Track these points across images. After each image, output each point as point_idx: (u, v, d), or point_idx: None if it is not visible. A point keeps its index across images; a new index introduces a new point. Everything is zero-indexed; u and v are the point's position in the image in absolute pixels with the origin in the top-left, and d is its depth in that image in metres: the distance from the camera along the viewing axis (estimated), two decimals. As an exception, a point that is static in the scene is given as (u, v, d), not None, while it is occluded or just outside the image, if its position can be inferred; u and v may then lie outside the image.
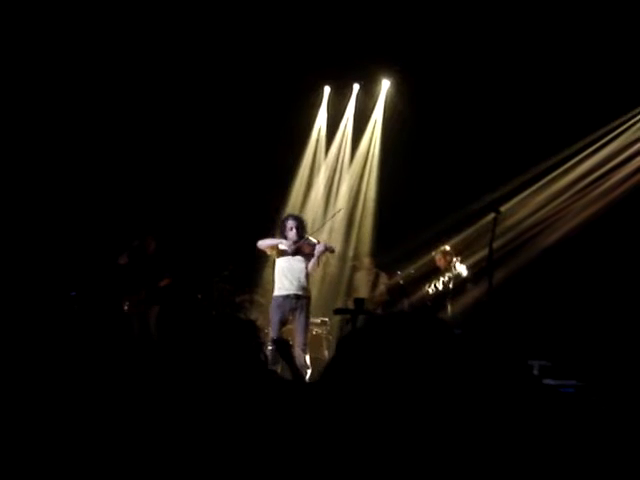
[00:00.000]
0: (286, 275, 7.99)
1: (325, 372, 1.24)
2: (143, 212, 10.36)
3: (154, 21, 9.98)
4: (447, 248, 9.02)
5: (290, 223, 8.07)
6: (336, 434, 1.15)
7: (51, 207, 10.22)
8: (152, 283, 9.13)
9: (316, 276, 10.95)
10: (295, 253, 8.01)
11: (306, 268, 8.00)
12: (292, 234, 8.02)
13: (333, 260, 11.19)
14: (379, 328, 1.26)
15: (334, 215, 10.05)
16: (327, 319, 9.84)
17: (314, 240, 8.17)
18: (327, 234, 11.17)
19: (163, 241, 9.47)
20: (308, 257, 8.02)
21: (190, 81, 10.54)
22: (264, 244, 8.17)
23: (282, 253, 8.05)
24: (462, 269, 8.77)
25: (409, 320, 1.29)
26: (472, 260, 9.13)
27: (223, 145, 10.70)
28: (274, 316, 7.94)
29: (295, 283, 7.96)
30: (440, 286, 8.93)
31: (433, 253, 9.12)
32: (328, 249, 8.19)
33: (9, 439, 2.98)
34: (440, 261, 9.00)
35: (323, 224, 9.62)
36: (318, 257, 8.00)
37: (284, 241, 8.07)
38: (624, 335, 8.23)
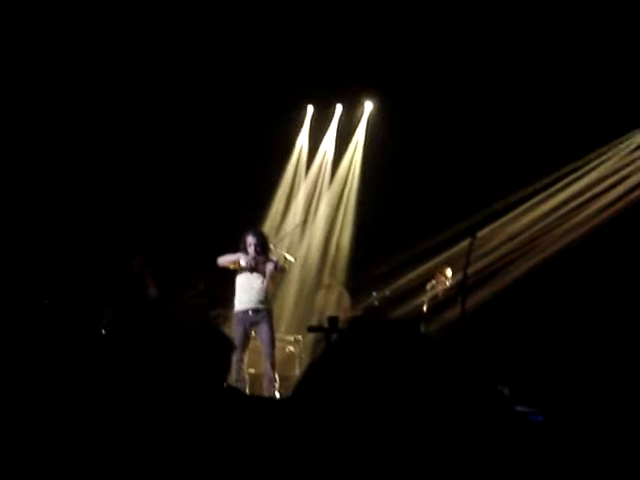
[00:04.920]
0: (244, 291, 8.13)
1: (296, 389, 1.26)
2: (121, 224, 10.35)
3: (132, 42, 10.02)
4: (448, 274, 9.17)
5: (249, 240, 8.13)
6: (309, 447, 1.17)
7: (30, 212, 10.17)
8: (135, 301, 9.18)
9: (291, 295, 11.00)
10: (253, 270, 8.09)
11: (263, 285, 8.06)
12: (251, 250, 8.09)
13: (308, 279, 11.22)
14: (349, 344, 1.28)
15: (295, 228, 10.18)
16: (300, 337, 9.86)
17: (273, 258, 8.24)
18: (304, 253, 11.19)
19: (150, 259, 9.50)
20: (265, 274, 8.11)
21: (171, 100, 10.57)
22: (224, 260, 8.24)
23: (242, 269, 8.13)
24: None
25: (383, 335, 1.31)
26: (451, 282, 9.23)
27: (203, 162, 10.70)
28: (237, 332, 8.04)
29: (253, 298, 8.09)
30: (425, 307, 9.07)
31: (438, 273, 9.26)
32: (278, 269, 8.23)
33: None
34: (439, 280, 9.16)
35: (282, 238, 9.71)
36: (269, 276, 8.08)
37: (243, 256, 8.14)
38: (593, 364, 8.31)
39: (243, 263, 8.12)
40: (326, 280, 10.68)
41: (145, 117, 10.59)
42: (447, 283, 9.18)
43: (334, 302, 10.29)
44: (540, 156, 9.63)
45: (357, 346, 1.24)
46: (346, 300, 10.29)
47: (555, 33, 9.23)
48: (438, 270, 9.43)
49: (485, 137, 9.89)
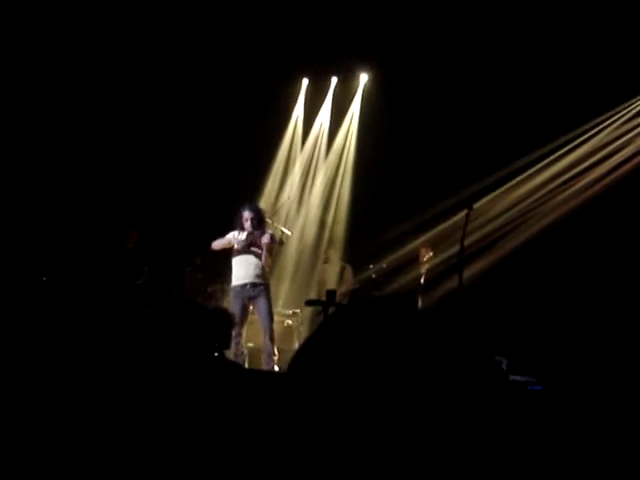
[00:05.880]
0: (241, 265, 8.13)
1: (292, 363, 1.25)
2: (117, 200, 10.34)
3: (123, 24, 9.95)
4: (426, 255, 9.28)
5: (246, 214, 8.13)
6: (304, 425, 1.17)
7: (27, 193, 10.14)
8: (130, 278, 9.21)
9: (288, 268, 11.01)
10: (250, 245, 8.10)
11: (261, 259, 8.08)
12: (247, 225, 8.10)
13: (305, 253, 11.23)
14: (346, 317, 1.27)
15: (282, 204, 10.17)
16: (298, 310, 9.88)
17: (269, 232, 8.25)
18: (300, 227, 11.19)
19: (144, 233, 9.54)
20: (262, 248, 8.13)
21: (165, 75, 10.50)
22: (217, 245, 8.28)
23: (238, 249, 8.15)
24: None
25: (380, 308, 1.30)
26: (444, 255, 9.27)
27: (198, 136, 10.66)
28: (235, 306, 8.04)
29: (250, 272, 8.09)
30: (422, 279, 9.13)
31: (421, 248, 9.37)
32: (274, 241, 8.25)
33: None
34: (423, 253, 9.24)
35: (274, 212, 9.68)
36: (266, 250, 8.09)
37: (237, 235, 8.14)
38: (589, 335, 8.36)
39: (236, 246, 8.15)
40: (325, 253, 10.64)
41: (139, 95, 10.52)
42: (426, 265, 9.26)
43: (336, 276, 10.25)
44: (536, 126, 9.60)
45: (352, 320, 1.24)
46: (349, 274, 10.20)
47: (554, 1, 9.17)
48: (419, 250, 9.53)
49: (480, 107, 9.84)
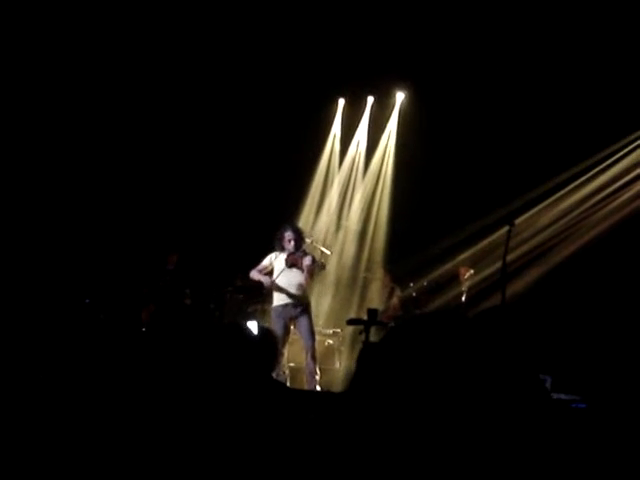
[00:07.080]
0: (282, 287, 8.10)
1: (352, 383, 1.26)
2: (158, 221, 10.48)
3: (172, 31, 10.12)
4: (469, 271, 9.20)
5: (288, 235, 8.16)
6: (362, 444, 1.18)
7: (70, 214, 10.33)
8: (171, 299, 9.35)
9: (328, 288, 10.99)
10: (291, 266, 8.11)
11: (302, 280, 8.09)
12: (290, 246, 8.12)
13: (345, 272, 11.21)
14: (403, 334, 1.28)
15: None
16: (339, 330, 9.83)
17: (311, 254, 8.27)
18: (340, 246, 11.19)
19: (183, 255, 9.67)
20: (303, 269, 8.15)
21: (205, 97, 10.64)
22: (255, 276, 8.32)
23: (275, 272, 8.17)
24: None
25: (436, 323, 1.31)
26: (486, 272, 9.20)
27: (237, 156, 10.76)
28: (276, 326, 8.04)
29: (291, 293, 8.10)
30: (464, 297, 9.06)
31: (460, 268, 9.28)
32: (315, 263, 8.25)
33: (17, 443, 3.03)
34: (463, 272, 9.15)
35: (313, 232, 9.73)
36: (308, 272, 8.10)
37: (274, 258, 8.18)
38: (635, 352, 8.20)
39: (266, 286, 8.20)
40: (379, 273, 10.46)
41: (179, 118, 10.68)
42: (467, 282, 9.17)
43: (380, 293, 10.14)
44: (577, 140, 9.50)
45: (407, 337, 1.25)
46: (397, 301, 9.95)
47: (591, 21, 9.11)
48: (458, 270, 9.42)
49: (520, 123, 9.79)
